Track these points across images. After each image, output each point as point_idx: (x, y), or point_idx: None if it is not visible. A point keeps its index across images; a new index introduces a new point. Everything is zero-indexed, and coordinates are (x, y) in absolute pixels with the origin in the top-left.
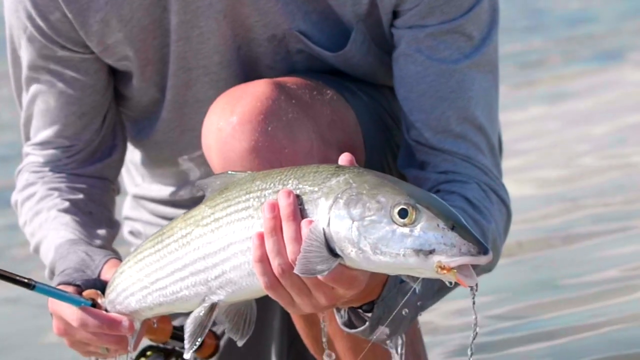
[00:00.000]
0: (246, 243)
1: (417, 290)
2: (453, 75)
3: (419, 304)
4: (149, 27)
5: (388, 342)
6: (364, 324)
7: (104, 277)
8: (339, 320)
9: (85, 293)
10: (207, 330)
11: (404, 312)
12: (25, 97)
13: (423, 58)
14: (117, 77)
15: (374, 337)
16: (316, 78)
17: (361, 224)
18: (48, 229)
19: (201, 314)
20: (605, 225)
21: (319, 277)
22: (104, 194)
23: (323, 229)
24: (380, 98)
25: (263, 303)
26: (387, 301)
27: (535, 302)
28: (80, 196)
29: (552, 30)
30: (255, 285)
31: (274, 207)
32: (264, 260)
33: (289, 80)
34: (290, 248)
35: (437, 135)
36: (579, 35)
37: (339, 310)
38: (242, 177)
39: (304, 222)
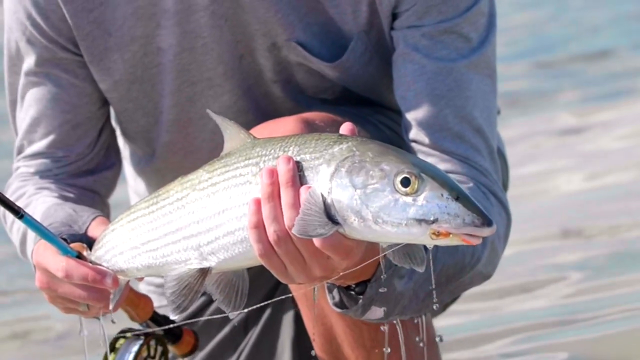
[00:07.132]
0: (242, 209)
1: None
2: (450, 74)
3: (414, 289)
4: (140, 39)
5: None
6: (356, 304)
7: (91, 234)
8: (330, 301)
9: (71, 245)
10: (197, 296)
11: (397, 292)
12: (20, 110)
13: (420, 56)
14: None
15: (367, 317)
16: (340, 113)
17: (363, 192)
18: (35, 208)
19: (190, 275)
20: None
21: (316, 243)
22: (94, 204)
23: (324, 195)
24: (400, 130)
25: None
26: (380, 282)
27: None
28: (71, 195)
29: None
30: (249, 253)
31: (273, 173)
32: (259, 226)
33: (316, 117)
34: (287, 215)
35: (435, 133)
36: None
37: (330, 290)
38: (244, 144)
39: (302, 188)
